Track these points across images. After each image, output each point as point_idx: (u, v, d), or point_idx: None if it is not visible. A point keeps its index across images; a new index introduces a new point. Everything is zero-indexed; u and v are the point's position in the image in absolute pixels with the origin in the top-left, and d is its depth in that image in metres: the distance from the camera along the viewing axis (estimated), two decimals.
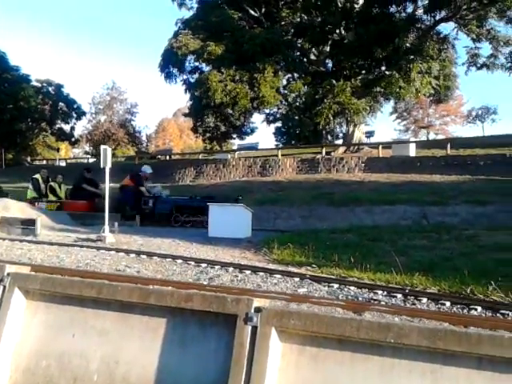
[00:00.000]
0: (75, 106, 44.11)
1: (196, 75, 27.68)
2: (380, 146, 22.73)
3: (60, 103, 43.46)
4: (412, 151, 21.86)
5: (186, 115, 36.93)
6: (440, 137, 44.74)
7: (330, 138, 34.68)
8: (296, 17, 27.50)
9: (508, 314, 3.85)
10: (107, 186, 9.64)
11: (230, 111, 27.09)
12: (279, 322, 2.80)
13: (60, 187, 14.67)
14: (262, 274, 5.57)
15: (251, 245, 9.12)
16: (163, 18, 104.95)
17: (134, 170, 14.94)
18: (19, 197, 14.41)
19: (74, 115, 44.30)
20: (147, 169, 13.90)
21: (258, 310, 2.87)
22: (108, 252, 7.45)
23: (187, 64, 27.77)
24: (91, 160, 38.55)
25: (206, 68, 27.26)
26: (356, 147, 25.78)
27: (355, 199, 14.56)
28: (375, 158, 21.21)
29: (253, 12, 27.88)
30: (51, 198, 14.33)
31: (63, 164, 37.46)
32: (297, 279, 5.31)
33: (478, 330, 2.42)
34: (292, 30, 27.36)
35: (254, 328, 2.85)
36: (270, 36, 24.18)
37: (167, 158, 33.51)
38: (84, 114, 46.90)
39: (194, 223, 11.94)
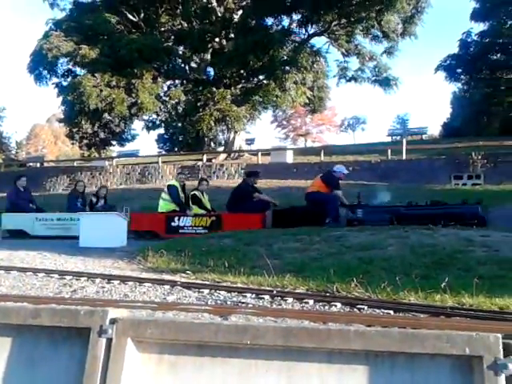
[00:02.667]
0: None
1: (69, 79, 26.23)
2: (259, 153, 23.36)
3: None
4: (289, 158, 22.76)
5: (60, 121, 34.84)
6: (317, 144, 47.31)
7: (213, 145, 34.92)
8: (176, 24, 27.35)
9: (364, 309, 4.09)
10: None
11: (110, 117, 26.10)
12: (136, 332, 2.66)
13: (203, 195, 11.57)
14: (131, 283, 5.35)
15: (126, 254, 8.78)
16: (36, 17, 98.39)
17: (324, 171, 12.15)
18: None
19: None
20: (342, 169, 10.86)
21: (113, 321, 2.71)
22: None
23: (59, 67, 26.25)
24: None
25: (80, 72, 26.00)
26: (237, 154, 26.24)
27: None
28: (254, 165, 21.74)
29: (131, 16, 27.18)
30: (196, 210, 11.16)
31: None
32: (167, 287, 5.18)
33: (329, 325, 2.53)
34: (172, 37, 27.17)
35: (109, 340, 2.67)
36: (148, 42, 23.73)
37: (38, 165, 31.22)
38: None
39: None
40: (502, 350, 2.07)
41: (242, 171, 20.87)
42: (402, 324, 3.29)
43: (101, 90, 22.83)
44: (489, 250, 7.57)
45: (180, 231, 10.73)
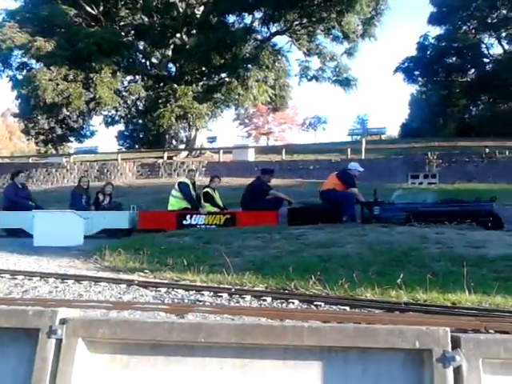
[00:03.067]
0: None
1: (24, 72, 25.38)
2: (221, 151, 23.27)
3: None
4: (251, 156, 22.78)
5: (15, 116, 33.70)
6: (279, 143, 47.57)
7: (174, 142, 34.55)
8: (137, 18, 26.89)
9: (321, 305, 4.12)
10: None
11: (67, 113, 25.43)
12: (87, 332, 2.58)
13: (215, 193, 11.25)
14: (85, 282, 5.21)
15: (82, 253, 8.58)
16: None
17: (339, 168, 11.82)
18: None
19: None
20: (357, 166, 10.64)
21: (63, 321, 2.62)
22: None
23: (14, 59, 25.37)
24: None
25: (36, 65, 25.18)
26: (198, 152, 26.06)
27: None
28: (216, 163, 21.66)
29: (90, 9, 26.54)
30: (209, 208, 10.87)
31: None
32: (123, 286, 5.07)
33: (283, 322, 2.53)
34: (132, 31, 26.71)
35: (59, 341, 2.59)
36: (107, 35, 23.23)
37: None
38: None
39: None
40: (450, 343, 2.12)
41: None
42: (358, 320, 3.33)
43: (57, 84, 22.19)
44: (443, 247, 7.79)
45: (192, 229, 10.52)
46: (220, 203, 11.21)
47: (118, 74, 24.53)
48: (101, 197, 11.77)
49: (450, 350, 2.11)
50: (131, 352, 2.58)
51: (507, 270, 6.53)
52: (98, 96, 22.81)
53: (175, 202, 11.06)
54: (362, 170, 10.67)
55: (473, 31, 32.48)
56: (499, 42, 32.78)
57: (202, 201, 10.94)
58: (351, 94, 28.39)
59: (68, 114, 26.38)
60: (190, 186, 11.17)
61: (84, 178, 12.87)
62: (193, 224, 10.48)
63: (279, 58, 26.44)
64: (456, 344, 2.12)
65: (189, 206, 10.90)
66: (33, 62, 25.25)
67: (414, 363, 2.18)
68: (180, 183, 11.30)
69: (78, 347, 2.56)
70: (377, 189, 10.92)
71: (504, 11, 30.45)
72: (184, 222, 10.56)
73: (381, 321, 3.16)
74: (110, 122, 28.51)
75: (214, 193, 11.23)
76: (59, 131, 33.39)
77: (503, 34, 31.96)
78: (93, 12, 26.56)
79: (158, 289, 4.97)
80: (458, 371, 2.11)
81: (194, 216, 10.61)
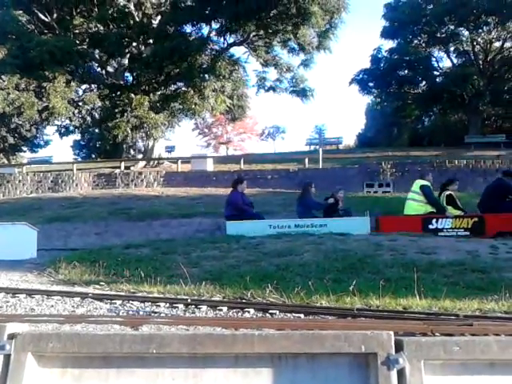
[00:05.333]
0: None
1: None
2: (179, 161, 23.12)
3: None
4: (210, 166, 22.74)
5: None
6: (238, 152, 47.71)
7: (132, 152, 34.09)
8: (92, 26, 26.47)
9: (276, 313, 4.18)
10: None
11: (19, 122, 24.67)
12: (36, 347, 2.54)
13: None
14: (38, 296, 5.08)
15: (36, 266, 8.35)
16: None
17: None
18: None
19: None
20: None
21: (11, 336, 2.57)
22: None
23: None
24: None
25: None
26: (156, 162, 25.81)
27: (153, 213, 14.47)
28: (174, 173, 21.51)
29: (43, 16, 25.94)
30: (452, 211, 10.31)
31: None
32: (77, 299, 4.98)
33: (234, 331, 2.56)
34: (87, 40, 26.26)
35: (8, 356, 2.54)
36: (60, 44, 22.71)
37: None
38: None
39: None
40: (394, 346, 2.21)
41: (162, 179, 20.54)
42: (310, 327, 3.40)
43: (8, 93, 21.51)
44: (396, 254, 8.03)
45: (439, 234, 10.05)
46: (461, 206, 10.79)
47: (73, 83, 24.00)
48: (331, 200, 11.29)
49: (393, 353, 2.20)
50: (82, 365, 2.56)
51: (456, 274, 6.81)
52: (51, 105, 22.24)
53: (418, 206, 10.51)
54: None
55: (423, 45, 33.73)
56: (448, 56, 34.20)
57: (445, 203, 10.55)
58: (308, 105, 28.89)
59: (20, 123, 25.59)
60: (431, 188, 10.60)
61: (311, 182, 12.01)
62: (439, 228, 10.13)
63: (236, 68, 26.59)
64: (399, 347, 2.22)
65: (433, 210, 10.38)
66: None
67: (360, 367, 2.26)
68: (423, 186, 10.54)
69: (27, 362, 2.52)
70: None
71: (452, 27, 31.78)
72: (430, 227, 10.18)
73: (332, 327, 3.24)
74: (63, 132, 27.84)
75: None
76: (11, 140, 32.35)
77: (452, 48, 33.34)
78: (46, 19, 25.97)
79: (114, 301, 4.91)
80: (401, 373, 2.20)
81: (440, 220, 10.21)
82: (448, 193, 10.72)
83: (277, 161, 23.62)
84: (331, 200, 11.37)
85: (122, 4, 25.47)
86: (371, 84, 34.31)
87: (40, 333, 2.70)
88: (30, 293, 5.27)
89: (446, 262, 7.33)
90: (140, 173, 21.59)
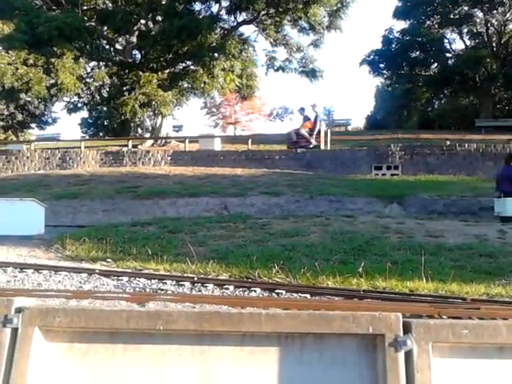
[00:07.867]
0: None
1: None
2: (187, 140, 23.02)
3: None
4: (217, 146, 22.63)
5: None
6: (246, 133, 47.40)
7: (140, 131, 34.03)
8: (100, 2, 26.19)
9: (282, 293, 4.18)
10: None
11: (28, 98, 24.61)
12: (43, 321, 2.55)
13: None
14: (45, 272, 5.12)
15: (43, 242, 8.44)
16: None
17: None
18: None
19: None
20: None
21: (19, 310, 2.58)
22: None
23: None
24: None
25: None
26: (164, 141, 25.74)
27: (160, 192, 14.51)
28: (181, 152, 21.45)
29: None
30: None
31: None
32: (84, 275, 5.01)
33: (241, 309, 2.55)
34: (95, 16, 25.99)
35: (15, 330, 2.55)
36: (69, 20, 22.48)
37: None
38: None
39: None
40: (402, 328, 2.19)
41: (169, 158, 20.49)
42: (317, 307, 3.40)
43: (16, 68, 21.41)
44: (403, 237, 8.01)
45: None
46: None
47: (81, 59, 23.83)
48: None
49: (401, 335, 2.18)
50: (89, 340, 2.56)
51: (463, 258, 6.79)
52: (59, 81, 22.12)
53: None
54: None
55: (436, 26, 33.11)
56: (461, 38, 33.59)
57: None
58: (317, 85, 28.54)
59: (29, 99, 25.52)
60: None
61: None
62: None
63: (246, 47, 26.26)
64: (407, 329, 2.20)
65: None
66: None
67: (367, 348, 2.24)
68: None
69: (34, 336, 2.52)
70: (342, 179, 11.15)
71: (466, 8, 31.15)
72: None
73: (338, 307, 3.23)
74: (72, 108, 27.77)
75: None
76: (20, 117, 32.38)
77: (465, 30, 32.72)
78: None
79: (120, 278, 4.93)
80: (408, 355, 2.18)
81: None
82: None
83: (284, 142, 23.50)
84: None
85: None
86: (382, 65, 33.85)
87: (47, 307, 2.71)
88: (38, 268, 5.31)
89: (454, 246, 7.31)
90: (147, 151, 21.54)
